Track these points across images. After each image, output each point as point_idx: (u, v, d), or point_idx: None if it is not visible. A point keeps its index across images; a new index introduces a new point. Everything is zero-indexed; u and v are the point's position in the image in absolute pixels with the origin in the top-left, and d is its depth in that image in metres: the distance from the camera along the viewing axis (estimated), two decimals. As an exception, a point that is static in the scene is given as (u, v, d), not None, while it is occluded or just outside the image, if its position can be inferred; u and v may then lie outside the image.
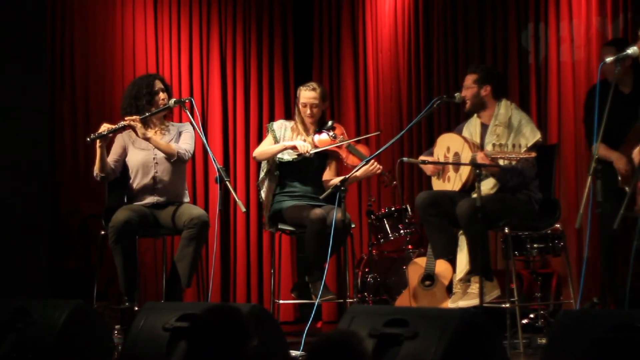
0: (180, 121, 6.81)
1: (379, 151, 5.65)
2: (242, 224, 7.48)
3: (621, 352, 3.04)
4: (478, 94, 5.54)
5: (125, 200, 5.77)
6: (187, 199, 5.82)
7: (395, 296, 6.30)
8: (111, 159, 5.72)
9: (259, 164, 6.16)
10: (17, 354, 3.99)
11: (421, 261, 5.99)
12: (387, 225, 6.60)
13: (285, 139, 5.86)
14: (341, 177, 5.52)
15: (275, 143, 5.87)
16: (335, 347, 2.69)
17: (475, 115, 5.60)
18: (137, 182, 5.72)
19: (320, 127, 5.90)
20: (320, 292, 5.46)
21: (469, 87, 5.55)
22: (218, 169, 5.20)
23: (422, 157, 5.74)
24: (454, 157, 5.49)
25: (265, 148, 5.87)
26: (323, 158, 5.92)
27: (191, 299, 7.00)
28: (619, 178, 5.36)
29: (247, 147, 7.54)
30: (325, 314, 7.36)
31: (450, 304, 5.44)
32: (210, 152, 5.41)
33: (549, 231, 5.86)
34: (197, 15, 7.51)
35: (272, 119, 7.40)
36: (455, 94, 5.57)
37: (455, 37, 7.19)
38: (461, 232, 5.40)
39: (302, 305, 6.87)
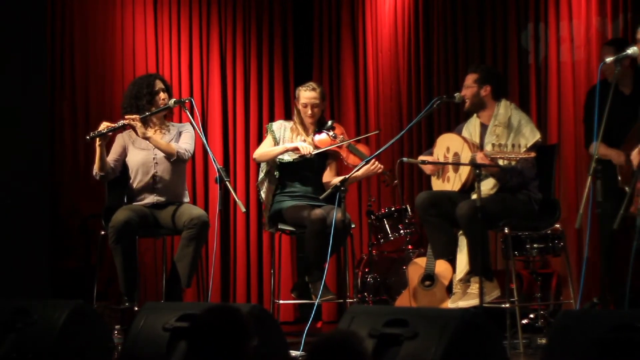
0: (180, 121, 6.81)
1: (379, 151, 5.66)
2: (242, 224, 7.48)
3: (621, 352, 3.04)
4: (478, 94, 5.54)
5: (125, 200, 5.77)
6: (187, 199, 5.82)
7: (395, 296, 6.30)
8: (111, 158, 5.72)
9: (258, 164, 6.16)
10: (17, 354, 3.99)
11: (421, 261, 5.99)
12: (387, 225, 6.60)
13: (285, 139, 5.86)
14: (342, 177, 5.52)
15: (275, 143, 5.87)
16: (335, 347, 2.69)
17: (475, 115, 5.60)
18: (137, 182, 5.72)
19: (319, 127, 5.90)
20: (320, 292, 5.46)
21: (469, 87, 5.56)
22: (218, 169, 5.20)
23: (421, 157, 5.74)
24: (453, 157, 5.49)
25: (266, 150, 5.86)
26: (323, 158, 5.92)
27: (191, 299, 7.00)
28: (619, 178, 5.36)
29: (247, 147, 7.54)
30: (325, 314, 7.37)
31: (450, 304, 5.44)
32: (210, 152, 5.41)
33: (549, 231, 5.86)
34: (197, 15, 7.51)
35: (272, 119, 7.40)
36: (455, 94, 5.57)
37: (455, 37, 7.19)
38: (461, 232, 5.40)
39: (302, 305, 6.87)
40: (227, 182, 5.16)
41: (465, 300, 5.30)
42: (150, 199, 5.70)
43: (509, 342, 5.19)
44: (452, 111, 7.08)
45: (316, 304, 5.44)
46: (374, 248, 6.70)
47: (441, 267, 5.85)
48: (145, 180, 5.70)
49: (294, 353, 4.83)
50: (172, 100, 5.64)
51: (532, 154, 5.04)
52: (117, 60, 7.14)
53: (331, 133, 5.85)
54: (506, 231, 5.41)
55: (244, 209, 5.32)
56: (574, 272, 6.08)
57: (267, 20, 7.71)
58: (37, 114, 6.35)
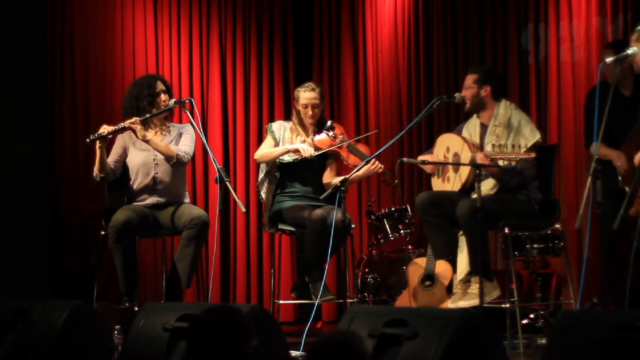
0: (180, 121, 6.82)
1: (379, 151, 5.65)
2: (242, 224, 7.48)
3: (621, 352, 3.04)
4: (478, 94, 5.54)
5: (125, 201, 5.76)
6: (187, 199, 5.82)
7: (395, 296, 6.30)
8: (111, 159, 5.72)
9: (258, 164, 6.16)
10: (17, 354, 4.00)
11: (421, 261, 5.99)
12: (387, 225, 6.60)
13: (285, 140, 5.86)
14: (342, 177, 5.52)
15: (275, 144, 5.87)
16: (335, 348, 2.69)
17: (475, 115, 5.60)
18: (137, 182, 5.72)
19: (319, 127, 5.90)
20: (320, 292, 5.46)
21: (469, 87, 5.55)
22: (218, 169, 5.20)
23: (421, 157, 5.74)
24: (453, 158, 5.49)
25: (267, 151, 5.85)
26: (323, 158, 5.92)
27: (191, 299, 6.99)
28: (619, 178, 5.36)
29: (247, 147, 7.54)
30: (325, 314, 7.37)
31: (450, 304, 5.44)
32: (210, 153, 5.41)
33: (549, 231, 5.86)
34: (197, 15, 7.51)
35: (272, 119, 7.40)
36: (455, 94, 5.57)
37: (455, 37, 7.19)
38: (461, 232, 5.40)
39: (302, 305, 6.87)
40: (227, 182, 5.16)
41: (466, 300, 5.30)
42: (151, 199, 5.70)
43: (509, 342, 5.19)
44: (452, 111, 7.08)
45: (316, 304, 5.44)
46: (374, 248, 6.70)
47: (441, 267, 5.85)
48: (145, 181, 5.70)
49: (294, 353, 4.83)
50: (172, 101, 5.64)
51: (532, 155, 5.04)
52: (117, 60, 7.14)
53: (331, 133, 5.84)
54: (506, 231, 5.41)
55: (244, 209, 5.32)
56: (574, 272, 6.07)
57: (267, 20, 7.71)
58: (37, 114, 6.35)
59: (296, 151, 5.75)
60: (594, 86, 5.62)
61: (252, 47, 7.66)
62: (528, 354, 5.20)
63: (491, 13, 7.03)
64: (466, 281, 5.34)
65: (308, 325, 5.13)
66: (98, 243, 5.83)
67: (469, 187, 5.40)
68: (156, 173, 5.70)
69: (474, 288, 5.24)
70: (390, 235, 6.59)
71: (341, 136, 5.90)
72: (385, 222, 6.60)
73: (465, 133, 5.60)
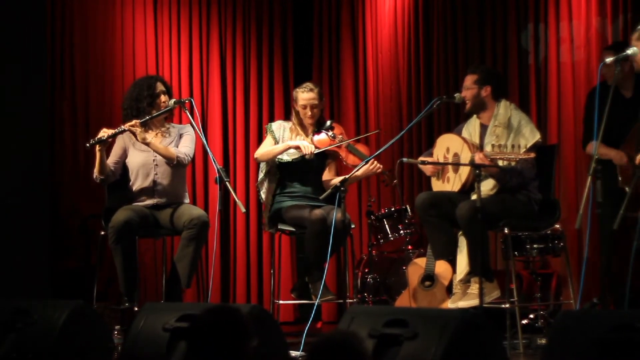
0: (180, 121, 6.81)
1: (379, 151, 5.65)
2: (242, 224, 7.48)
3: (621, 352, 3.04)
4: (478, 95, 5.53)
5: (125, 201, 5.75)
6: (187, 199, 5.82)
7: (395, 296, 6.30)
8: (111, 160, 5.72)
9: (258, 164, 6.15)
10: (17, 354, 4.00)
11: (421, 261, 5.99)
12: (387, 225, 6.60)
13: (285, 140, 5.86)
14: (342, 177, 5.52)
15: (275, 143, 5.87)
16: (335, 348, 2.69)
17: (475, 115, 5.60)
18: (137, 183, 5.72)
19: (318, 127, 5.90)
20: (320, 293, 5.46)
21: (469, 88, 5.55)
22: (218, 170, 5.20)
23: (421, 158, 5.74)
24: (453, 158, 5.49)
25: (267, 149, 5.86)
26: (322, 158, 5.92)
27: (191, 299, 6.99)
28: (619, 178, 5.36)
29: (247, 147, 7.54)
30: (325, 315, 7.37)
31: (450, 304, 5.44)
32: (210, 153, 5.41)
33: (549, 231, 5.85)
34: (196, 15, 7.51)
35: (272, 119, 7.39)
36: (455, 95, 5.57)
37: (455, 37, 7.19)
38: (461, 232, 5.40)
39: (302, 305, 6.87)
40: (227, 183, 5.16)
41: (465, 300, 5.30)
42: (150, 200, 5.70)
43: (509, 342, 5.19)
44: (452, 111, 7.07)
45: (316, 304, 5.44)
46: (374, 248, 6.70)
47: (441, 267, 5.85)
48: (145, 182, 5.70)
49: (294, 353, 4.83)
50: (172, 101, 5.64)
51: (532, 155, 5.04)
52: (117, 61, 7.14)
53: (330, 133, 5.85)
54: (506, 231, 5.40)
55: (243, 209, 5.32)
56: (574, 272, 6.07)
57: (267, 21, 7.71)
58: (37, 114, 6.35)
59: (297, 148, 5.75)
60: (594, 87, 5.62)
61: (252, 47, 7.66)
62: (528, 354, 5.20)
63: (491, 13, 7.03)
64: (466, 281, 5.34)
65: (308, 326, 5.13)
66: (98, 243, 5.83)
67: (468, 187, 5.40)
68: (156, 174, 5.70)
69: (474, 288, 5.24)
70: (390, 236, 6.59)
71: (340, 136, 5.90)
72: (385, 223, 6.60)
73: (465, 133, 5.59)
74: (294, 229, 5.84)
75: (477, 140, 5.51)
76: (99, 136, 5.52)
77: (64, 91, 6.96)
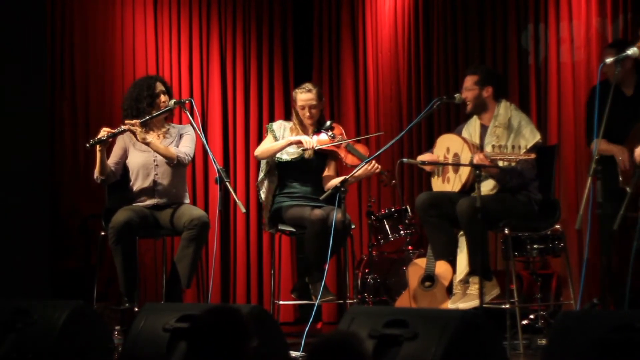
0: (181, 122, 6.81)
1: (379, 152, 5.65)
2: (242, 224, 7.48)
3: (621, 353, 3.04)
4: (480, 96, 5.53)
5: (126, 202, 5.75)
6: (187, 200, 5.82)
7: (395, 297, 6.30)
8: (111, 161, 5.72)
9: (258, 164, 6.15)
10: (17, 354, 3.99)
11: (421, 262, 5.99)
12: (387, 226, 6.60)
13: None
14: (341, 178, 5.52)
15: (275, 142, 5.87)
16: (335, 348, 2.69)
17: (475, 116, 5.60)
18: (137, 184, 5.72)
19: (319, 127, 5.91)
20: (320, 293, 5.46)
21: (470, 89, 5.54)
22: (218, 170, 5.20)
23: (421, 158, 5.73)
24: (453, 158, 5.49)
25: (268, 146, 5.86)
26: (322, 158, 5.92)
27: (191, 299, 6.99)
28: (620, 178, 5.36)
29: (247, 147, 7.54)
30: (325, 315, 7.36)
31: (450, 304, 5.44)
32: (210, 153, 5.41)
33: (549, 232, 5.85)
34: (197, 15, 7.51)
35: (272, 119, 7.39)
36: (455, 95, 5.57)
37: (455, 37, 7.19)
38: (461, 233, 5.40)
39: (302, 306, 6.87)
40: (227, 183, 5.16)
41: (466, 301, 5.30)
42: (151, 201, 5.70)
43: (509, 342, 5.19)
44: (452, 112, 7.07)
45: (316, 304, 5.44)
46: (374, 249, 6.70)
47: (441, 267, 5.85)
48: (145, 182, 5.70)
49: (294, 354, 4.83)
50: (172, 101, 5.64)
51: (532, 156, 5.04)
52: (117, 61, 7.14)
53: (330, 133, 5.85)
54: (506, 232, 5.41)
55: (244, 210, 5.32)
56: (574, 272, 6.08)
57: (267, 21, 7.71)
58: (37, 114, 6.35)
59: (298, 143, 5.75)
60: (594, 87, 5.61)
61: (252, 48, 7.66)
62: (528, 354, 5.20)
63: (491, 13, 7.03)
64: (466, 282, 5.34)
65: (308, 326, 5.13)
66: (98, 243, 5.83)
67: (469, 187, 5.40)
68: (156, 174, 5.70)
69: (474, 289, 5.24)
70: (390, 236, 6.59)
71: (340, 136, 5.90)
72: (385, 223, 6.60)
73: (465, 134, 5.59)
74: (294, 230, 5.84)
75: (477, 141, 5.51)
76: (99, 136, 5.52)
77: (64, 91, 6.96)
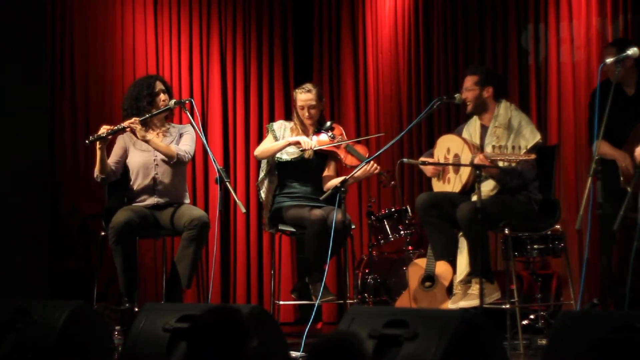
0: (181, 122, 6.81)
1: (379, 152, 5.64)
2: (242, 224, 7.48)
3: (621, 353, 3.04)
4: (480, 96, 5.52)
5: (126, 202, 5.76)
6: (187, 200, 5.82)
7: (395, 297, 6.30)
8: (112, 160, 5.72)
9: (259, 164, 6.15)
10: (17, 354, 3.99)
11: (421, 262, 5.99)
12: (387, 226, 6.60)
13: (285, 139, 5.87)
14: (341, 178, 5.52)
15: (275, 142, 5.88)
16: (336, 348, 2.69)
17: (476, 116, 5.60)
18: (137, 183, 5.72)
19: (319, 128, 5.91)
20: (320, 293, 5.46)
21: (471, 89, 5.53)
22: (218, 170, 5.20)
23: (422, 158, 5.73)
24: (453, 159, 5.49)
25: (267, 146, 5.86)
26: (322, 158, 5.92)
27: (191, 299, 6.99)
28: (622, 178, 5.36)
29: (247, 147, 7.54)
30: (326, 315, 7.36)
31: (450, 305, 5.44)
32: (210, 153, 5.41)
33: (549, 232, 5.85)
34: (197, 15, 7.51)
35: (272, 119, 7.39)
36: (456, 95, 5.56)
37: (455, 37, 7.19)
38: (461, 233, 5.40)
39: (302, 306, 6.86)
40: (227, 183, 5.16)
41: (466, 301, 5.30)
42: (151, 200, 5.70)
43: (509, 343, 5.19)
44: (452, 112, 7.07)
45: (316, 304, 5.44)
46: (374, 249, 6.70)
47: (441, 268, 5.85)
48: (145, 182, 5.70)
49: (294, 354, 4.83)
50: (173, 101, 5.64)
51: (533, 156, 5.04)
52: (117, 61, 7.14)
53: (330, 134, 5.85)
54: (506, 232, 5.40)
55: (244, 210, 5.32)
56: (574, 273, 6.07)
57: (267, 21, 7.71)
58: (37, 114, 6.35)
59: (297, 143, 5.75)
60: (597, 86, 5.60)
61: (252, 48, 7.66)
62: (528, 354, 5.20)
63: (491, 13, 7.03)
64: (466, 282, 5.34)
65: (308, 326, 5.13)
66: (98, 243, 5.83)
67: (469, 188, 5.40)
68: (156, 174, 5.70)
69: (474, 289, 5.24)
70: (391, 236, 6.59)
71: (340, 137, 5.90)
72: (386, 223, 6.60)
73: (465, 134, 5.59)
74: (294, 230, 5.84)
75: (477, 141, 5.51)
76: (98, 133, 5.51)
77: (64, 91, 6.96)
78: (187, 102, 5.64)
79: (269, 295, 6.75)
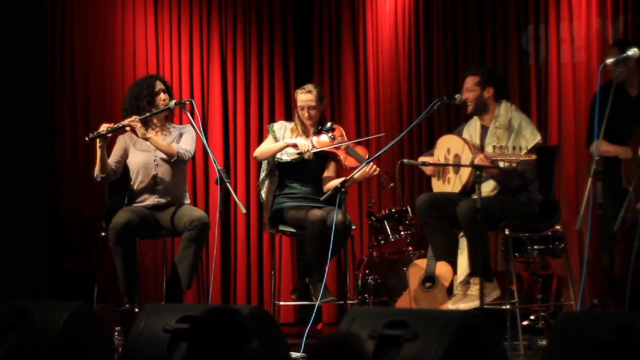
0: (181, 122, 6.81)
1: (379, 153, 5.64)
2: (242, 225, 7.48)
3: (621, 354, 3.04)
4: (481, 97, 5.52)
5: (126, 202, 5.76)
6: (187, 200, 5.82)
7: (395, 298, 6.30)
8: (112, 160, 5.72)
9: (259, 164, 6.15)
10: (17, 355, 3.99)
11: (421, 263, 5.99)
12: (387, 226, 6.59)
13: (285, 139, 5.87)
14: (341, 179, 5.52)
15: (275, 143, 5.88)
16: (336, 349, 2.69)
17: (476, 117, 5.59)
18: (137, 183, 5.72)
19: (319, 128, 5.91)
20: (320, 294, 5.46)
21: (471, 90, 5.53)
22: (218, 171, 5.20)
23: (422, 158, 5.73)
24: (454, 159, 5.49)
25: (266, 147, 5.88)
26: (322, 159, 5.92)
27: (191, 300, 6.99)
28: (623, 178, 5.36)
29: (247, 148, 7.54)
30: (326, 316, 7.36)
31: (450, 305, 5.44)
32: (210, 154, 5.41)
33: (549, 233, 5.85)
34: (197, 16, 7.51)
35: (272, 120, 7.40)
36: (456, 96, 5.56)
37: (455, 37, 7.18)
38: (461, 234, 5.39)
39: (303, 306, 6.85)
40: (227, 184, 5.16)
41: (466, 301, 5.30)
42: (151, 200, 5.70)
43: (510, 343, 5.19)
44: (452, 112, 7.07)
45: (317, 305, 5.44)
46: (375, 249, 6.70)
47: (442, 268, 5.85)
48: (146, 181, 5.70)
49: (294, 355, 4.83)
50: (173, 102, 5.65)
51: (533, 157, 5.04)
52: (117, 61, 7.14)
53: (330, 134, 5.86)
54: (506, 232, 5.40)
55: (244, 211, 5.32)
56: (575, 273, 6.07)
57: (267, 21, 7.71)
58: (37, 114, 6.35)
59: (294, 146, 5.76)
60: (601, 86, 5.59)
61: (252, 48, 7.66)
62: (528, 355, 5.19)
63: (491, 14, 7.03)
64: (466, 282, 5.34)
65: (308, 327, 5.12)
66: (98, 244, 5.82)
67: (469, 188, 5.40)
68: (157, 173, 5.70)
69: (474, 289, 5.24)
70: (391, 237, 6.59)
71: (340, 138, 5.91)
72: (386, 224, 6.60)
73: (465, 134, 5.59)
74: (294, 230, 5.85)
75: (477, 142, 5.51)
76: (98, 130, 5.51)
77: (64, 91, 6.96)
78: (187, 102, 5.64)
79: (269, 296, 6.75)
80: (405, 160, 5.68)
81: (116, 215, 5.53)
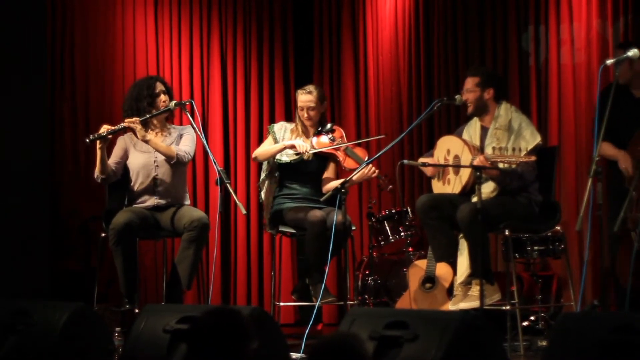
0: (181, 123, 6.81)
1: (379, 154, 5.63)
2: (242, 226, 7.48)
3: (621, 354, 3.04)
4: (481, 97, 5.52)
5: (126, 203, 5.76)
6: (187, 201, 5.82)
7: (395, 298, 6.30)
8: (112, 161, 5.72)
9: (259, 165, 6.15)
10: (17, 355, 3.99)
11: (422, 263, 5.99)
12: (387, 227, 6.59)
13: (285, 140, 5.87)
14: (341, 180, 5.52)
15: (274, 144, 5.88)
16: (336, 350, 2.69)
17: (476, 118, 5.59)
18: (137, 184, 5.71)
19: (320, 129, 5.91)
20: (320, 295, 5.46)
21: (472, 91, 5.52)
22: (218, 171, 5.20)
23: (422, 159, 5.73)
24: (454, 160, 5.48)
25: (264, 148, 5.89)
26: (322, 160, 5.92)
27: (191, 301, 6.99)
28: (626, 179, 5.35)
29: (247, 149, 7.54)
30: (326, 317, 7.36)
31: (450, 306, 5.43)
32: (210, 154, 5.41)
33: (549, 233, 5.85)
34: (197, 16, 7.51)
35: (272, 120, 7.40)
36: (456, 96, 5.56)
37: (455, 38, 7.18)
38: (461, 234, 5.39)
39: (303, 307, 6.86)
40: (227, 184, 5.16)
41: (466, 302, 5.30)
42: (151, 201, 5.69)
43: (510, 344, 5.19)
44: (452, 113, 7.07)
45: (317, 306, 5.43)
46: (375, 250, 6.69)
47: (442, 269, 5.85)
48: (146, 183, 5.70)
49: (294, 355, 4.82)
50: (173, 103, 5.64)
51: (533, 158, 5.04)
52: (117, 61, 7.14)
53: (330, 136, 5.86)
54: (507, 233, 5.40)
55: (244, 211, 5.32)
56: (575, 274, 6.07)
57: (268, 22, 7.71)
58: (37, 114, 6.35)
59: (292, 147, 5.76)
60: (607, 87, 5.58)
61: (252, 49, 7.66)
62: (528, 356, 5.19)
63: (491, 14, 7.03)
64: (467, 283, 5.34)
65: (308, 328, 5.12)
66: (98, 245, 5.82)
67: (469, 189, 5.40)
68: (157, 175, 5.70)
69: (475, 290, 5.24)
70: (391, 238, 6.59)
71: (339, 139, 5.90)
72: (386, 224, 6.60)
73: (465, 135, 5.59)
74: (294, 231, 5.84)
75: (477, 143, 5.50)
76: (99, 132, 5.51)
77: (64, 91, 6.96)
78: (187, 103, 5.64)
79: (269, 297, 6.75)
80: (405, 161, 5.68)
81: (116, 216, 5.53)
